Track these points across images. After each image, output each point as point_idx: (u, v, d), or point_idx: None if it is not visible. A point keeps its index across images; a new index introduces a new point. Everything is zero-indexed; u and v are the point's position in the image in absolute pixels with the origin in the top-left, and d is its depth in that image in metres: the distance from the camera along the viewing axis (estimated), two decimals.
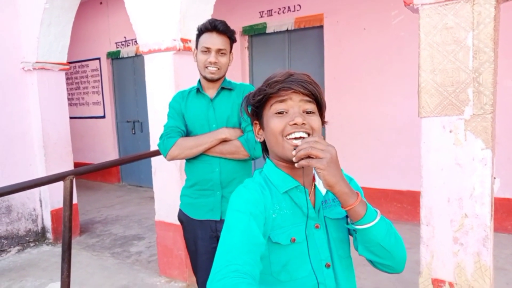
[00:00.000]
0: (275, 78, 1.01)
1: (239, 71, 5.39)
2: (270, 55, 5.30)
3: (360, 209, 0.94)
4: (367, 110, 4.53)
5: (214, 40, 1.91)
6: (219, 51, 1.92)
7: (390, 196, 4.45)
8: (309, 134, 0.99)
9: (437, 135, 1.77)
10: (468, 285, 1.77)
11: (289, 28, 4.96)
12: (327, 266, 1.02)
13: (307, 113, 1.01)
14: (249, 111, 1.09)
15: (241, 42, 5.39)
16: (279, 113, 1.00)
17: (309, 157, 0.91)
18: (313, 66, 4.87)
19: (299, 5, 4.87)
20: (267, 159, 1.11)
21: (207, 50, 1.92)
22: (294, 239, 0.99)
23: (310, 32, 4.93)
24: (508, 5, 2.70)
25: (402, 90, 4.19)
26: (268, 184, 1.05)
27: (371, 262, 1.04)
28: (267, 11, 5.13)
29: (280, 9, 5.02)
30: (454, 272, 1.80)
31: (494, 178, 1.79)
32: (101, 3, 6.81)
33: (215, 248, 2.07)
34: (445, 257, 1.82)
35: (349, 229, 1.09)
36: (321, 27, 4.75)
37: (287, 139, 0.98)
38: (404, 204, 4.38)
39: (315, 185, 1.07)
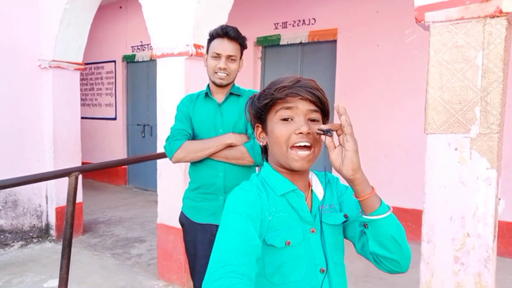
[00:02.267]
0: (283, 83, 1.00)
1: (251, 80, 5.43)
2: (282, 67, 5.33)
3: (375, 199, 0.96)
4: (376, 126, 4.51)
5: (224, 46, 1.93)
6: (229, 57, 1.94)
7: (394, 213, 4.37)
8: (311, 146, 0.97)
9: (442, 152, 1.76)
10: None
11: (303, 41, 5.00)
12: (322, 271, 1.01)
13: (311, 121, 0.99)
14: (253, 112, 1.08)
15: (255, 52, 5.44)
16: (285, 119, 0.98)
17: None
18: (325, 80, 4.88)
19: (314, 19, 4.91)
20: (265, 162, 1.10)
21: (217, 56, 1.94)
22: (289, 242, 0.99)
23: (323, 46, 4.96)
24: None
25: (412, 108, 4.17)
26: (265, 186, 1.04)
27: (377, 262, 1.02)
28: (282, 23, 5.18)
29: (295, 21, 5.06)
30: None
31: (499, 199, 1.76)
32: (120, 7, 6.94)
33: None
34: (445, 276, 1.79)
35: (344, 234, 1.09)
36: (335, 41, 4.78)
37: (291, 149, 0.97)
38: (409, 223, 4.32)
39: (312, 190, 1.07)
